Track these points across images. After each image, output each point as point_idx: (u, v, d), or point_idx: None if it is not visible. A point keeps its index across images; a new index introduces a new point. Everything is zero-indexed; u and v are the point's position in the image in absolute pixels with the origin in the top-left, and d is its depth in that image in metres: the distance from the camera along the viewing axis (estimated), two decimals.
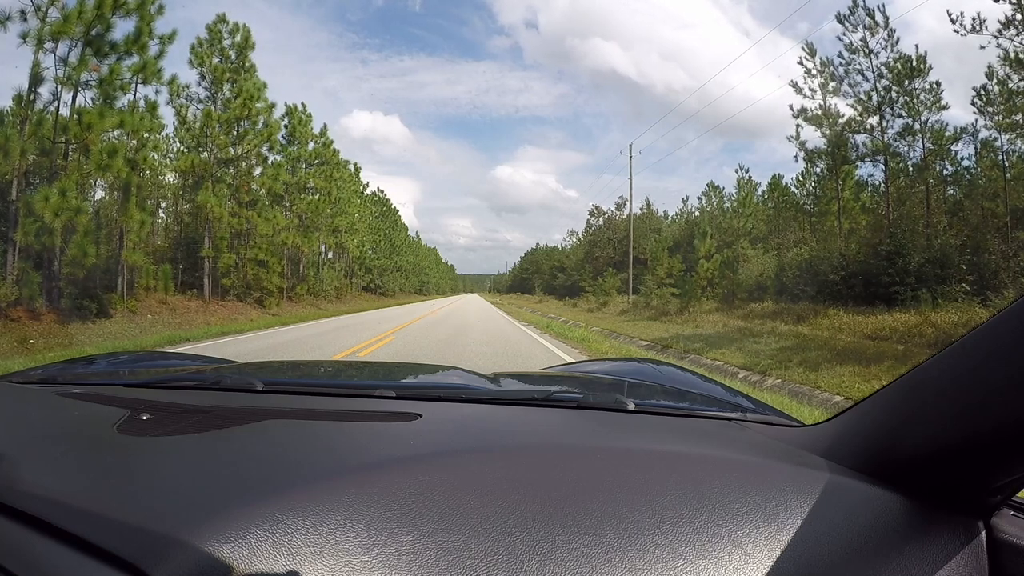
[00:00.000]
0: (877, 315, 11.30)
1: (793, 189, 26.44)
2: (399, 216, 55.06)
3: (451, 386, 0.93)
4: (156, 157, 17.71)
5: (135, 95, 11.89)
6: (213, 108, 16.54)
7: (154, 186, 19.06)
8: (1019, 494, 0.46)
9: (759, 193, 31.27)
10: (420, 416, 0.67)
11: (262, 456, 0.57)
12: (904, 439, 0.47)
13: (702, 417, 0.78)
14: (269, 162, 18.21)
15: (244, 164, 17.46)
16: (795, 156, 19.16)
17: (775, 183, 29.95)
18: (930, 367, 0.46)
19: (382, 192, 48.83)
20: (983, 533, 0.44)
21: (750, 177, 31.99)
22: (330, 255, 30.57)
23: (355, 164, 37.42)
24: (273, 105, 17.64)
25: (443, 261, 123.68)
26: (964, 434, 0.41)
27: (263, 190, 18.68)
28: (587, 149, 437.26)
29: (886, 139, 16.30)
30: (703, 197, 37.78)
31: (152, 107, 12.21)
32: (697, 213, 37.43)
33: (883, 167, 16.79)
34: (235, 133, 16.93)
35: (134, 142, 12.39)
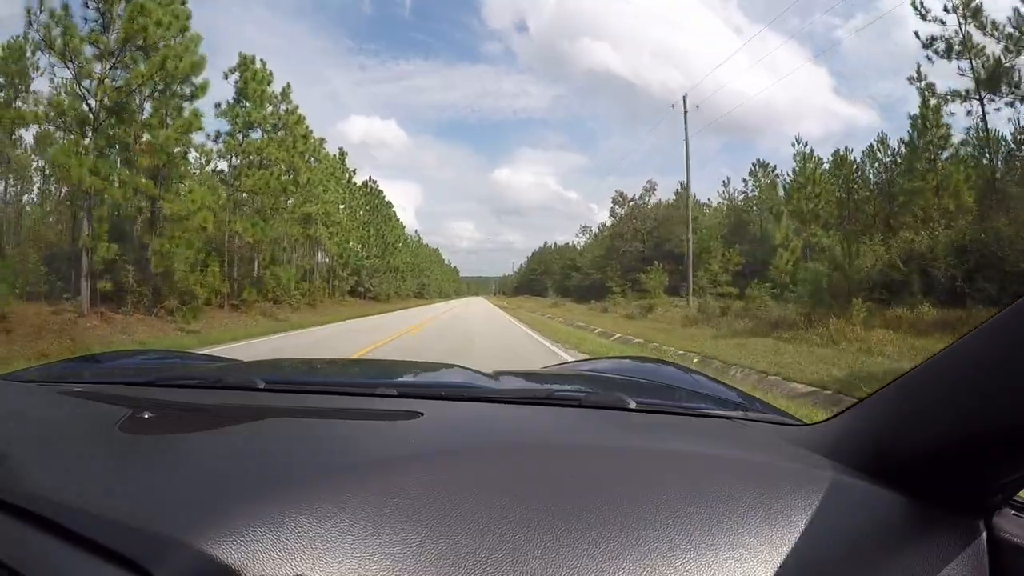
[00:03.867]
0: None
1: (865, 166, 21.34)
2: (393, 210, 47.91)
3: (453, 384, 0.92)
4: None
5: None
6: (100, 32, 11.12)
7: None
8: (1020, 493, 0.45)
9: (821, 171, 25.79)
10: (422, 414, 0.66)
11: (264, 454, 0.57)
12: (905, 438, 0.47)
13: (704, 416, 0.76)
14: (185, 113, 12.70)
15: (139, 112, 12.02)
16: (923, 96, 13.78)
17: (840, 159, 24.58)
18: (932, 366, 0.45)
19: (373, 183, 41.71)
20: (984, 533, 0.43)
21: (812, 150, 26.41)
22: (317, 255, 25.26)
23: (340, 149, 32.13)
24: (187, 26, 12.17)
25: (445, 263, 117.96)
26: (965, 434, 0.41)
27: (181, 157, 13.24)
28: (586, 151, 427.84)
29: None
30: (748, 179, 32.38)
31: None
32: (742, 199, 31.99)
33: None
34: (133, 68, 11.50)
35: None
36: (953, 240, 11.73)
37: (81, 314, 10.81)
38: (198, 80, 12.78)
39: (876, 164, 22.95)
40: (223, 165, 17.49)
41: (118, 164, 11.70)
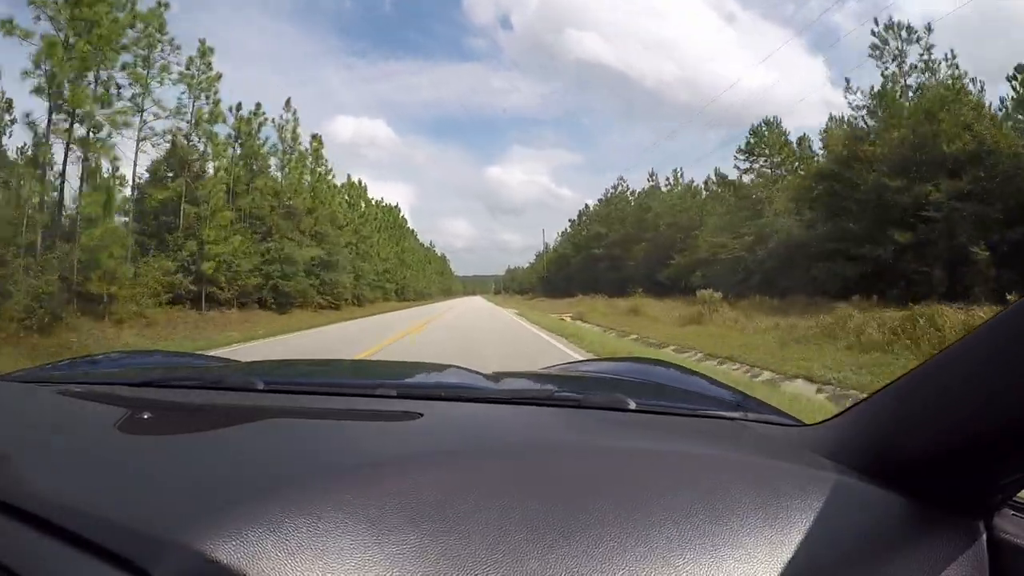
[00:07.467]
0: None
1: None
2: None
3: (452, 385, 0.92)
4: None
5: None
6: None
7: None
8: (1020, 494, 0.45)
9: None
10: (421, 415, 0.66)
11: (263, 455, 0.57)
12: (905, 439, 0.46)
13: (704, 417, 0.76)
14: None
15: None
16: None
17: None
18: (932, 366, 0.45)
19: None
20: (984, 533, 0.43)
21: None
22: None
23: None
24: None
25: (429, 248, 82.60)
26: (966, 434, 0.41)
27: None
28: (578, 148, 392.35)
29: None
30: None
31: None
32: None
33: None
34: None
35: None
36: None
37: None
38: None
39: None
40: None
41: None
